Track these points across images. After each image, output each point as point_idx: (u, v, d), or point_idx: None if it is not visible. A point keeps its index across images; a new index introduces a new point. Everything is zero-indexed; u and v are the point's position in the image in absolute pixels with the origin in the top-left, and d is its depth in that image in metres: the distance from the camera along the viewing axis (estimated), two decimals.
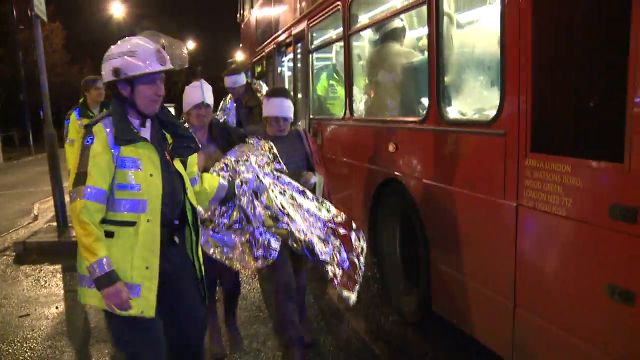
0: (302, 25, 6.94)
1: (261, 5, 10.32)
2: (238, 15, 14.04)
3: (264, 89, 6.64)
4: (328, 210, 3.59)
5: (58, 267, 6.62)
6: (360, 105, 5.60)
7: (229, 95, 6.93)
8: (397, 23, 4.90)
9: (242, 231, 3.41)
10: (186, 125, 3.70)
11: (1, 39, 34.99)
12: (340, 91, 6.57)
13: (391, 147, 4.42)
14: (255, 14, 11.09)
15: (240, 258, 3.42)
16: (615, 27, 2.26)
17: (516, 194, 2.92)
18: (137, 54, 2.54)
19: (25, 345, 4.39)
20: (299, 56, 7.52)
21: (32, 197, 12.16)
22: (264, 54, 9.90)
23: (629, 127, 2.22)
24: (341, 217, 3.58)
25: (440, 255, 3.85)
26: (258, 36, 10.71)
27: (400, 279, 4.74)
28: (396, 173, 4.38)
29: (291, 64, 8.15)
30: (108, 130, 2.51)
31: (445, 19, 3.78)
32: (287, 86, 8.96)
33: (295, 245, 3.40)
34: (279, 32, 8.50)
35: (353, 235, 3.57)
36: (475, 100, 3.71)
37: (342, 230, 3.55)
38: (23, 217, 10.06)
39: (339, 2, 5.50)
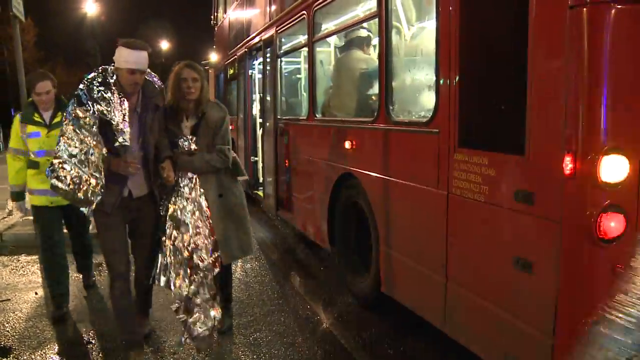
0: (271, 32, 7.38)
1: (234, 9, 10.71)
2: (212, 17, 14.38)
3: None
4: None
5: (35, 257, 6.89)
6: (322, 106, 6.06)
7: None
8: (361, 32, 5.36)
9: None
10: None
11: None
12: None
13: (347, 145, 4.90)
14: (229, 18, 11.47)
15: None
16: (520, 49, 2.77)
17: (447, 184, 3.41)
18: None
19: (7, 325, 4.71)
20: (268, 60, 7.94)
21: (5, 194, 12.26)
22: (236, 57, 10.28)
23: (527, 127, 2.73)
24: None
25: (387, 241, 4.32)
26: (231, 39, 11.08)
27: (356, 265, 5.20)
28: (351, 168, 4.85)
29: (261, 67, 8.56)
30: None
31: (394, 31, 4.27)
32: (256, 89, 9.37)
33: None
34: (250, 36, 8.92)
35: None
36: (416, 104, 4.22)
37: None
38: None
39: (304, 12, 5.95)
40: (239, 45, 9.98)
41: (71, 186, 3.48)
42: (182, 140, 3.85)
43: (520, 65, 2.75)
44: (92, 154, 3.51)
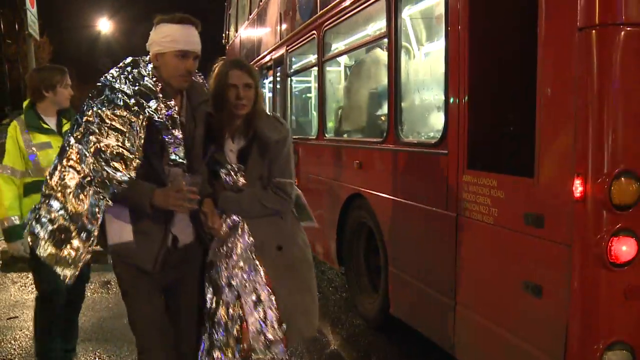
0: (282, 51, 7.42)
1: (245, 28, 10.80)
2: (224, 36, 14.51)
3: None
4: None
5: None
6: (331, 126, 6.07)
7: None
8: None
9: None
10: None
11: None
12: None
13: (355, 165, 4.89)
14: (240, 37, 11.56)
15: None
16: (529, 71, 2.76)
17: (456, 205, 3.38)
18: None
19: (14, 343, 4.71)
20: (278, 79, 7.98)
21: None
22: None
23: (536, 149, 2.71)
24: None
25: (395, 262, 4.29)
26: (242, 58, 11.16)
27: (364, 286, 5.16)
28: (360, 188, 4.83)
29: (272, 86, 8.60)
30: None
31: (403, 51, 4.28)
32: (266, 107, 9.40)
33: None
34: (261, 55, 8.98)
35: None
36: (425, 125, 4.21)
37: None
38: None
39: (314, 31, 5.98)
40: (251, 63, 10.04)
41: (55, 236, 2.41)
42: (225, 170, 2.77)
43: (529, 87, 2.74)
44: (96, 183, 2.37)
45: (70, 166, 2.40)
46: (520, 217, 2.82)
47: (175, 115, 2.50)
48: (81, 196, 2.37)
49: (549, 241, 2.66)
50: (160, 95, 2.46)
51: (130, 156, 2.37)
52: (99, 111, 2.38)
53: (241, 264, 2.76)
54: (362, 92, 5.47)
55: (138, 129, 2.38)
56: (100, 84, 2.47)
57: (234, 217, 2.79)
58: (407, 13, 4.60)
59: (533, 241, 2.76)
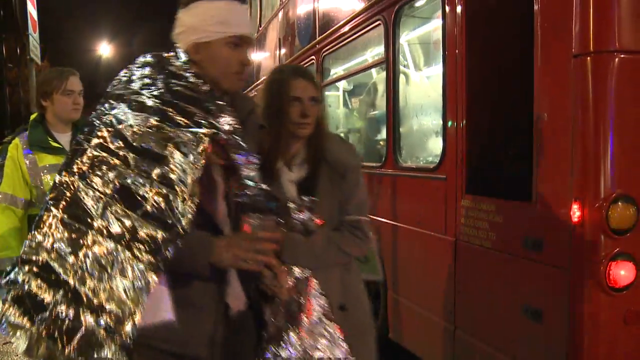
0: None
1: None
2: None
3: None
4: None
5: None
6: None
7: None
8: None
9: None
10: None
11: None
12: None
13: None
14: None
15: None
16: (526, 96, 2.79)
17: (454, 230, 3.39)
18: None
19: None
20: None
21: None
22: None
23: (534, 173, 2.73)
24: None
25: (394, 287, 4.28)
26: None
27: None
28: None
29: None
30: None
31: (402, 76, 4.33)
32: None
33: None
34: (260, 80, 9.06)
35: None
36: (423, 150, 4.24)
37: None
38: None
39: (313, 57, 6.05)
40: (249, 88, 10.13)
41: (50, 329, 1.44)
42: (295, 206, 2.04)
43: (527, 112, 2.77)
44: (126, 244, 1.47)
45: (74, 216, 1.49)
46: (519, 241, 2.83)
47: (233, 127, 1.70)
48: (102, 265, 1.46)
49: (548, 265, 2.67)
50: (210, 101, 1.67)
51: (180, 200, 1.52)
52: (122, 128, 1.55)
53: (313, 331, 2.07)
54: (361, 116, 5.52)
55: (192, 153, 1.55)
56: (115, 87, 1.69)
57: (297, 269, 2.08)
58: (405, 39, 4.67)
59: (532, 265, 2.76)
